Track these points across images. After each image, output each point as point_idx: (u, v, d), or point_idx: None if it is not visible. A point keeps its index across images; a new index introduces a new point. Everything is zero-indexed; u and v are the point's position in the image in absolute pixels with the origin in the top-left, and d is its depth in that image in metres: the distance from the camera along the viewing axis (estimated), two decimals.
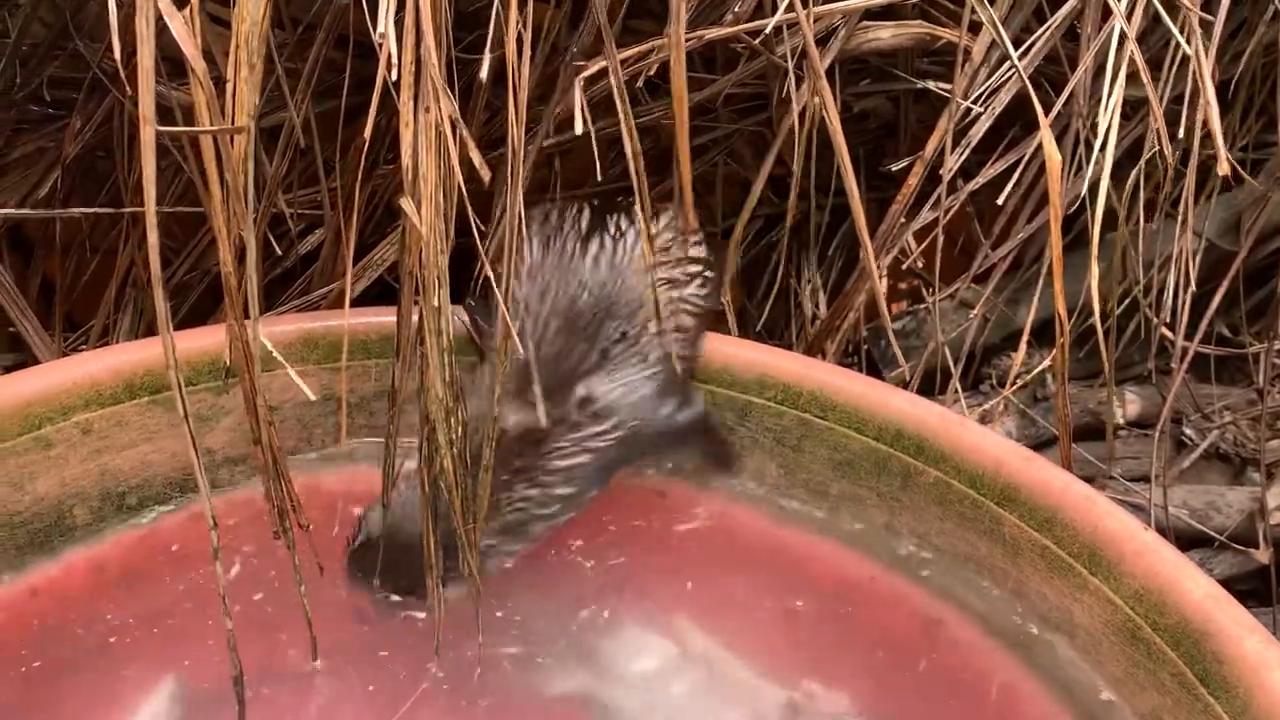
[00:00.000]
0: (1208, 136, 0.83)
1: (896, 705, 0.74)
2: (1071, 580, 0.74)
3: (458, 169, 0.57)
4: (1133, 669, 0.70)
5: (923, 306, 1.23)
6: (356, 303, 0.95)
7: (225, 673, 0.65)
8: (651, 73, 0.86)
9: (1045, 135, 0.73)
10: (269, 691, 0.72)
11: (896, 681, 0.75)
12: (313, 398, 0.73)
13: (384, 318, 0.88)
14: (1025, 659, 0.75)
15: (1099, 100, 0.83)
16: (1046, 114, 0.78)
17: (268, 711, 0.70)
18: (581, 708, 0.73)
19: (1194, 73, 0.83)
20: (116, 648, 0.73)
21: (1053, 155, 0.73)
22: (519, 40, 0.63)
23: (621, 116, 0.70)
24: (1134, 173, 0.95)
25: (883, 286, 1.23)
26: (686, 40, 0.76)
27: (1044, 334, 1.19)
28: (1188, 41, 0.83)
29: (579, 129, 0.71)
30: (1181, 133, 0.88)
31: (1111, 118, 0.81)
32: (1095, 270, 0.76)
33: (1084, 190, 0.85)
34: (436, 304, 0.59)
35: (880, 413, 0.83)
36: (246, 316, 0.61)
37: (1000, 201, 0.90)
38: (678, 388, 0.84)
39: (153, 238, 0.54)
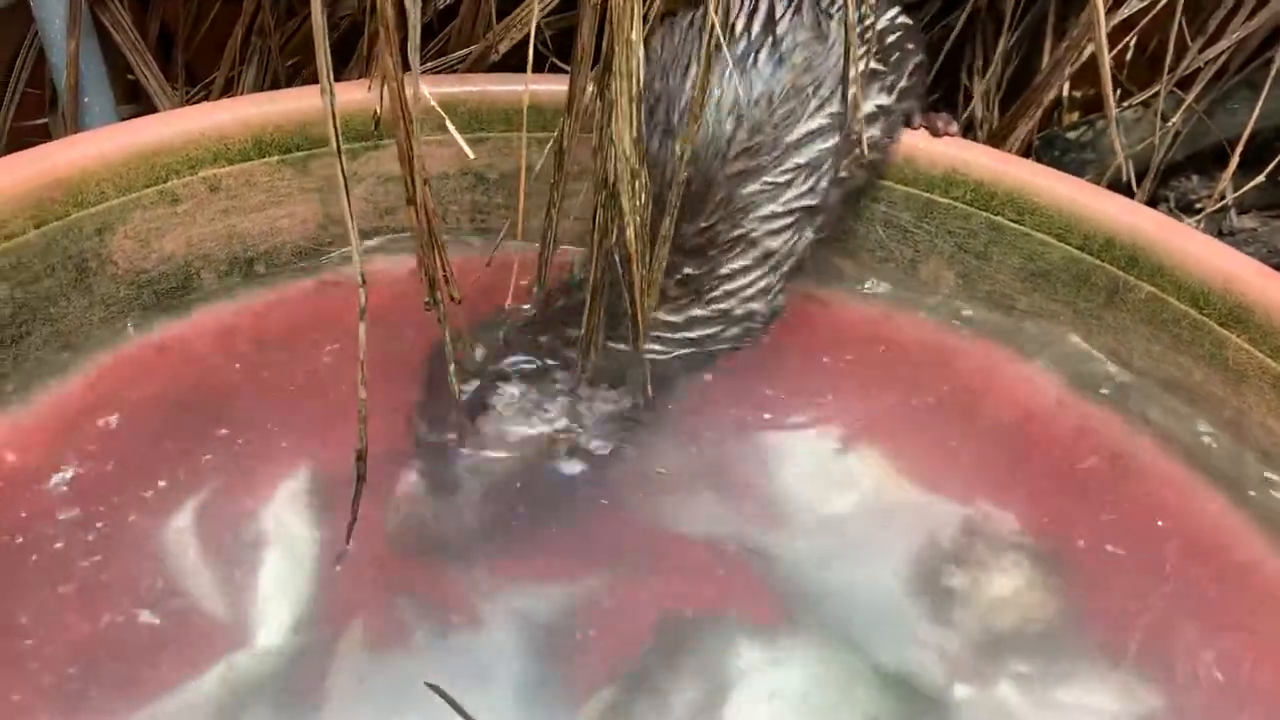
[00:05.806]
0: None
1: (1077, 537, 0.66)
2: None
3: None
4: None
5: (1101, 116, 1.10)
6: (498, 69, 0.86)
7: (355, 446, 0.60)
8: None
9: None
10: (395, 471, 0.67)
11: (1079, 513, 0.68)
12: (471, 155, 0.65)
13: (533, 85, 0.80)
14: (1235, 498, 0.68)
15: None
16: None
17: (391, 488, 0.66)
18: (738, 531, 0.67)
19: None
20: (248, 413, 0.69)
21: None
22: None
23: None
24: None
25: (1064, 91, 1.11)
26: None
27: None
28: None
29: None
30: None
31: None
32: None
33: None
34: (630, 37, 0.50)
35: (1089, 217, 0.74)
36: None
37: None
38: None
39: None
